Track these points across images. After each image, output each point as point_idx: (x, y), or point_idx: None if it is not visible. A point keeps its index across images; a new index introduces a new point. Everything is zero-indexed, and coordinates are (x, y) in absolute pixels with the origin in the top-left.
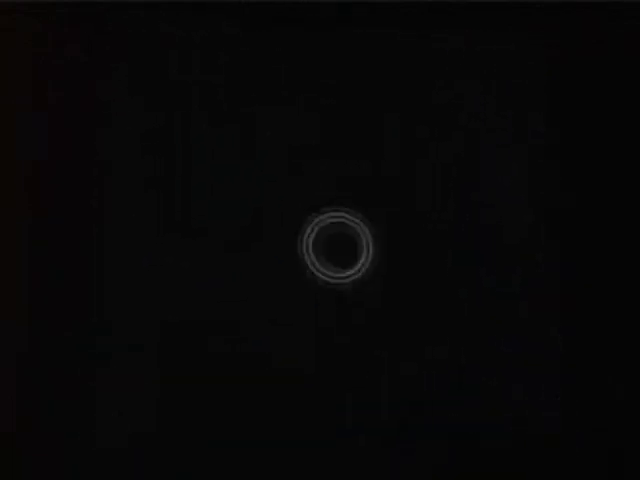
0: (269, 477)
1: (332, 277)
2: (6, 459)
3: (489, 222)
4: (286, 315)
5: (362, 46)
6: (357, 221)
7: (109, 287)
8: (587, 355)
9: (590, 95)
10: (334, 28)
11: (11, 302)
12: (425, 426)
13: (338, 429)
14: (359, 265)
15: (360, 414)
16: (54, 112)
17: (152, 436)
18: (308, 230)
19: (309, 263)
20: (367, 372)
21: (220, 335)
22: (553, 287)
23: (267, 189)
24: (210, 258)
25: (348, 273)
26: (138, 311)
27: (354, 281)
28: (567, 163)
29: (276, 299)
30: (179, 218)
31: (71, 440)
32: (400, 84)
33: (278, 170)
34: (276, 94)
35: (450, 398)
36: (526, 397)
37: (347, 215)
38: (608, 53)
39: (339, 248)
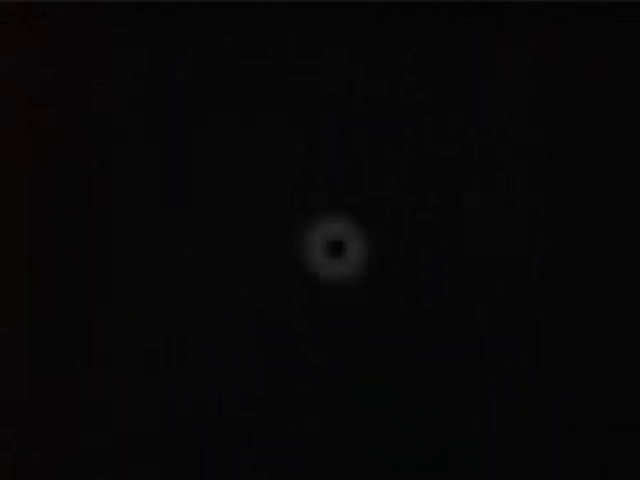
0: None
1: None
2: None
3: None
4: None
5: (357, 48)
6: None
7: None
8: (588, 356)
9: (592, 97)
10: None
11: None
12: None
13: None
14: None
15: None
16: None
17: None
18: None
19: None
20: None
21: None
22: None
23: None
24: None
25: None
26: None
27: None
28: (568, 165)
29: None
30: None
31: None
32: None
33: (274, 172)
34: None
35: (448, 399)
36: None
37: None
38: (610, 56)
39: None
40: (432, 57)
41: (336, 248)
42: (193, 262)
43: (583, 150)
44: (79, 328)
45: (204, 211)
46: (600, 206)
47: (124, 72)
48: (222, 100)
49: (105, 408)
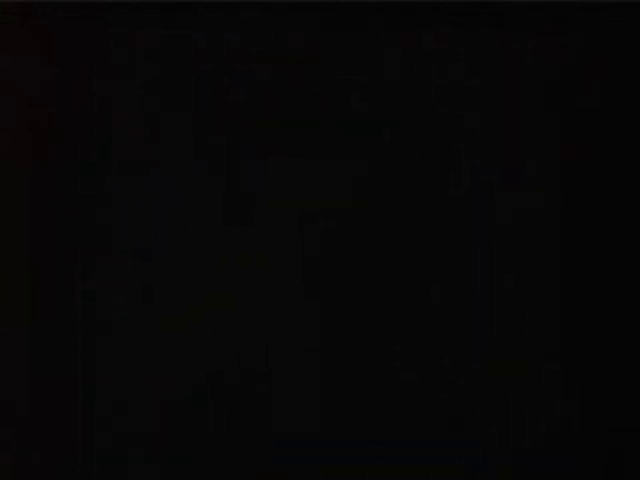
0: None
1: None
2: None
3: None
4: None
5: (358, 49)
6: None
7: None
8: (588, 352)
9: (599, 95)
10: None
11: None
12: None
13: None
14: None
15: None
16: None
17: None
18: None
19: None
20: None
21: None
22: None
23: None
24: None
25: None
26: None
27: None
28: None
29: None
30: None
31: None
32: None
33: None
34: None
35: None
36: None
37: None
38: (615, 55)
39: None
40: (432, 57)
41: None
42: (194, 262)
43: (583, 149)
44: (79, 328)
45: (203, 208)
46: (600, 204)
47: (124, 72)
48: (221, 99)
49: (105, 408)
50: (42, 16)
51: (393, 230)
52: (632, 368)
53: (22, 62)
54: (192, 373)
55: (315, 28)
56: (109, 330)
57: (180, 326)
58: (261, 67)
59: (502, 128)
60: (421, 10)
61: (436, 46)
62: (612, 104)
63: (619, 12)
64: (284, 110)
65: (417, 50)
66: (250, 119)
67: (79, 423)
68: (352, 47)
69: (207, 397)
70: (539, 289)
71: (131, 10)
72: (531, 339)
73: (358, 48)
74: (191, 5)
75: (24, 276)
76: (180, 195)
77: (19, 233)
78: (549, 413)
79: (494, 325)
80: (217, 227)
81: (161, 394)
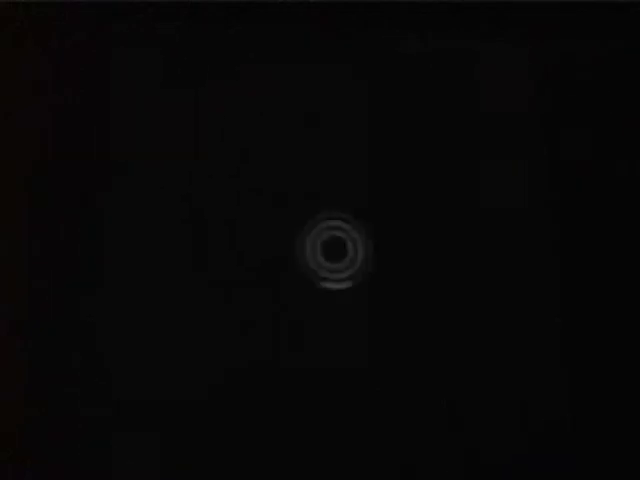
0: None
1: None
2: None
3: (487, 221)
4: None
5: (355, 49)
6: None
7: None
8: (588, 348)
9: (589, 96)
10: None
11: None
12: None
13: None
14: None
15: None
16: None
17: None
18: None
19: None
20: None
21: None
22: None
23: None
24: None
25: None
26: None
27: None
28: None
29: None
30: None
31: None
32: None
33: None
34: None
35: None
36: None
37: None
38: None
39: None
40: (432, 56)
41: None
42: (192, 261)
43: (583, 149)
44: (79, 329)
45: (203, 208)
46: (601, 204)
47: (124, 72)
48: (221, 99)
49: (106, 408)
50: (42, 16)
51: (392, 233)
52: (632, 368)
53: (22, 62)
54: (192, 373)
55: (315, 28)
56: (109, 330)
57: (181, 326)
58: (263, 67)
59: (502, 128)
60: (421, 10)
61: (431, 47)
62: (612, 104)
63: (619, 12)
64: (284, 110)
65: (416, 49)
66: (251, 119)
67: (79, 423)
68: (353, 47)
69: (207, 397)
70: (539, 289)
71: (131, 10)
72: (531, 339)
73: (359, 48)
74: (192, 5)
75: (24, 276)
76: (181, 195)
77: (19, 233)
78: (549, 413)
79: (494, 325)
80: (219, 227)
81: (161, 394)
